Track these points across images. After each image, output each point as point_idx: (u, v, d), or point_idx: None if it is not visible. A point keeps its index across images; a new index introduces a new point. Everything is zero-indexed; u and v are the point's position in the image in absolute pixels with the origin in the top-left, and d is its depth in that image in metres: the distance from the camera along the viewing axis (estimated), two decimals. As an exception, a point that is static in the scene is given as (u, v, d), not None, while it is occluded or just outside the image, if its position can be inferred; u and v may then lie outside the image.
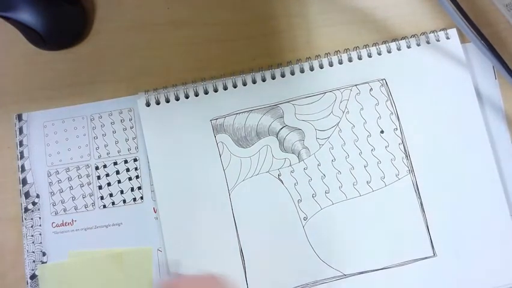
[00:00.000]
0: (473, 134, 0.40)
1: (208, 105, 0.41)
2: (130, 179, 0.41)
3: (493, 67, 0.42)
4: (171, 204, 0.40)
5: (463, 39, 0.42)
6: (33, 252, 0.40)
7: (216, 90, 0.41)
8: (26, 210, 0.41)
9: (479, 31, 0.39)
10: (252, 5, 0.44)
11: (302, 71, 0.42)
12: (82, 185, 0.41)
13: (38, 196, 0.41)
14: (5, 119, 0.42)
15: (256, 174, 0.40)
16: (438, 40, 0.42)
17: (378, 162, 0.40)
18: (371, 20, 0.43)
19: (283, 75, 0.42)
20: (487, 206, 0.39)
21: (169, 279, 0.38)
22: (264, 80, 0.42)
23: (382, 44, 0.42)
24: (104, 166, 0.41)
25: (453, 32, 0.42)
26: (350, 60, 0.42)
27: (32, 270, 0.40)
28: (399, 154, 0.40)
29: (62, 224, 0.40)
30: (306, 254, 0.39)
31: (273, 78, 0.42)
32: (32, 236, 0.40)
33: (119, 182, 0.41)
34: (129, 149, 0.42)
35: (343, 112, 0.41)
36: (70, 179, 0.41)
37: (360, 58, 0.42)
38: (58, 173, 0.41)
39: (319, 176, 0.40)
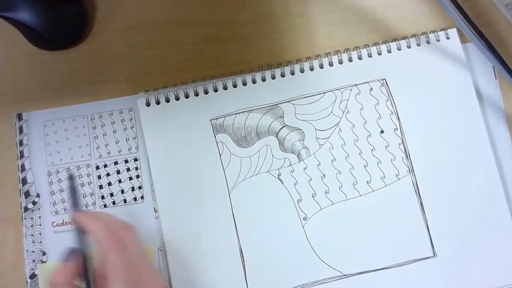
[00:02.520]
0: (473, 134, 0.40)
1: (208, 105, 0.41)
2: (130, 178, 0.41)
3: (493, 67, 0.42)
4: (171, 203, 0.40)
5: (463, 39, 0.42)
6: (33, 251, 0.40)
7: (216, 90, 0.41)
8: (26, 209, 0.41)
9: (479, 31, 0.39)
10: (252, 5, 0.44)
11: (302, 70, 0.42)
12: (82, 185, 0.41)
13: (38, 195, 0.41)
14: (5, 118, 0.42)
15: (256, 174, 0.40)
16: (438, 40, 0.42)
17: (378, 162, 0.40)
18: (371, 20, 0.43)
19: (283, 75, 0.42)
20: (487, 206, 0.39)
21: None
22: (264, 80, 0.42)
23: (382, 44, 0.42)
24: (105, 166, 0.41)
25: (453, 32, 0.42)
26: (350, 60, 0.42)
27: (32, 269, 0.40)
28: (399, 154, 0.40)
29: (63, 224, 0.40)
30: (306, 254, 0.39)
31: (273, 78, 0.42)
32: (32, 235, 0.40)
33: (119, 181, 0.41)
34: (129, 149, 0.42)
35: (343, 112, 0.41)
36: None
37: (360, 58, 0.42)
38: (59, 173, 0.41)
39: (319, 176, 0.40)
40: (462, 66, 0.41)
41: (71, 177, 0.38)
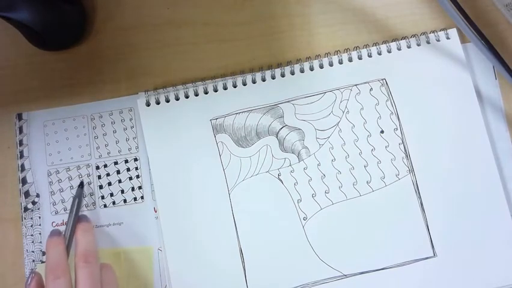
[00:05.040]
0: (473, 134, 0.40)
1: (208, 105, 0.41)
2: (130, 178, 0.41)
3: (493, 67, 0.42)
4: (171, 204, 0.40)
5: (463, 39, 0.42)
6: (33, 251, 0.40)
7: (216, 90, 0.41)
8: (26, 209, 0.41)
9: (479, 31, 0.39)
10: (252, 5, 0.44)
11: (302, 70, 0.42)
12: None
13: (38, 195, 0.41)
14: (5, 118, 0.42)
15: (256, 174, 0.40)
16: (438, 40, 0.42)
17: (378, 162, 0.40)
18: (371, 20, 0.43)
19: (283, 75, 0.42)
20: (487, 206, 0.39)
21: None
22: (264, 80, 0.42)
23: (382, 44, 0.42)
24: (105, 166, 0.41)
25: (453, 32, 0.42)
26: (350, 60, 0.42)
27: (32, 269, 0.40)
28: (399, 154, 0.40)
29: (63, 224, 0.40)
30: (306, 254, 0.39)
31: (273, 78, 0.42)
32: (31, 235, 0.40)
33: (119, 181, 0.41)
34: (129, 149, 0.42)
35: (343, 112, 0.41)
36: (70, 178, 0.41)
37: (360, 58, 0.42)
38: (58, 173, 0.41)
39: (319, 176, 0.40)
40: (462, 66, 0.41)
41: (81, 185, 0.40)
